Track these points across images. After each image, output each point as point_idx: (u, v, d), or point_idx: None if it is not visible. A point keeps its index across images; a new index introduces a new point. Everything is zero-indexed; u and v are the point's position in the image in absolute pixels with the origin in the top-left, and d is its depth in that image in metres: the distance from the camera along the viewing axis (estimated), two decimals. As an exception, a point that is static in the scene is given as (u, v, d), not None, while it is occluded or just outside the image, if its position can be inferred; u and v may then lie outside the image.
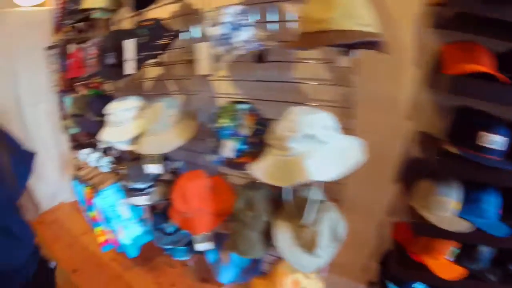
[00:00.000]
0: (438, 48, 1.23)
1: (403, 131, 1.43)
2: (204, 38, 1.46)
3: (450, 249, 1.30)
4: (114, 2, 1.89)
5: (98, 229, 2.38)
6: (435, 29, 1.22)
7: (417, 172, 1.32)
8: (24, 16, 3.08)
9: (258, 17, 1.32)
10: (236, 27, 1.20)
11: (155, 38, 1.57)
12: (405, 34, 1.31)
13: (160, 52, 1.58)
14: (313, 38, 1.02)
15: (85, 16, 2.06)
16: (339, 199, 1.37)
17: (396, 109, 1.43)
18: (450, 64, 1.12)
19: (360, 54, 1.18)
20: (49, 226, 3.17)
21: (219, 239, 1.64)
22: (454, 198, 1.19)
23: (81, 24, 2.45)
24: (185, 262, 2.12)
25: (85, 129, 2.03)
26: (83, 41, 2.46)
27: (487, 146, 1.05)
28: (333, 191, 1.37)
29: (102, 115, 1.99)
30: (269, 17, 1.35)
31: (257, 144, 1.27)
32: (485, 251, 1.26)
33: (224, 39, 1.18)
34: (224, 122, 1.27)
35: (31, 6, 3.27)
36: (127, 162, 1.97)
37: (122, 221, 2.20)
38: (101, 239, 2.37)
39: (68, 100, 2.93)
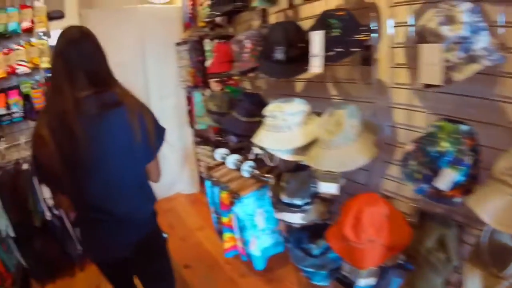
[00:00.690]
0: None
1: None
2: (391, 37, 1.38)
3: None
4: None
5: (227, 235, 2.41)
6: None
7: None
8: (155, 12, 3.49)
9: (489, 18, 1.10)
10: (475, 29, 1.02)
11: (349, 32, 1.39)
12: None
13: (357, 49, 1.39)
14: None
15: (235, 7, 2.09)
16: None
17: None
18: None
19: None
20: (164, 214, 3.43)
21: (383, 274, 1.52)
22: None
23: (220, 19, 2.67)
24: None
25: (231, 128, 2.16)
26: (222, 36, 2.67)
27: None
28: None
29: (252, 116, 2.05)
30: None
31: (475, 176, 1.12)
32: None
33: (461, 43, 1.01)
34: (445, 146, 1.12)
35: (162, 4, 3.73)
36: (286, 173, 1.86)
37: (256, 231, 2.25)
38: (228, 245, 2.42)
39: (198, 95, 3.27)
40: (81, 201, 1.29)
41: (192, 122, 3.55)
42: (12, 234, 2.43)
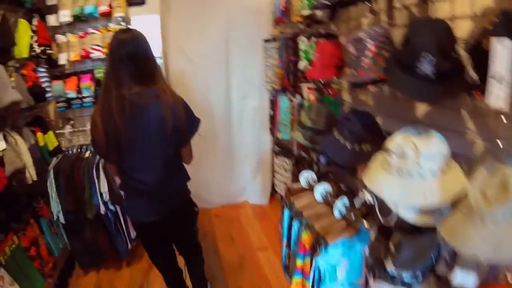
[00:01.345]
0: None
1: None
2: None
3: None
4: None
5: (297, 279, 2.14)
6: None
7: None
8: (244, 3, 3.22)
9: None
10: None
11: None
12: None
13: None
14: None
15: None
16: None
17: None
18: None
19: None
20: (227, 223, 3.34)
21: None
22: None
23: (321, 14, 2.36)
24: None
25: (331, 154, 1.84)
26: (324, 34, 2.37)
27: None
28: None
29: (360, 143, 1.71)
30: None
31: None
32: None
33: None
34: None
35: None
36: (398, 233, 1.45)
37: (335, 284, 2.03)
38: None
39: (285, 101, 2.94)
40: (123, 171, 1.71)
41: (273, 129, 3.24)
42: (62, 220, 2.55)
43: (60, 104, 2.88)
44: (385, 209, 1.47)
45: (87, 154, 2.72)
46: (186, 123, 1.63)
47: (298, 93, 2.71)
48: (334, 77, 1.99)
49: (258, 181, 3.65)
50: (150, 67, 1.57)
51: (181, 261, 2.18)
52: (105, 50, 2.79)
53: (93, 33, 2.81)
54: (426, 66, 1.23)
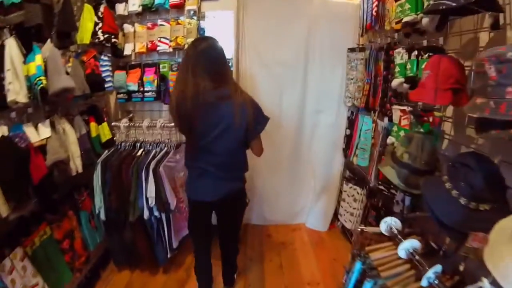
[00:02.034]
0: None
1: None
2: None
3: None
4: None
5: None
6: None
7: None
8: (329, 7, 2.77)
9: None
10: None
11: None
12: None
13: None
14: None
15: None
16: None
17: None
18: None
19: None
20: (278, 246, 2.92)
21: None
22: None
23: (428, 22, 1.81)
24: None
25: (437, 209, 1.31)
26: (429, 48, 1.85)
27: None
28: None
29: (480, 201, 1.27)
30: None
31: None
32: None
33: None
34: None
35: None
36: None
37: None
38: None
39: (367, 122, 2.45)
40: (192, 148, 1.82)
41: (348, 151, 2.77)
42: (103, 217, 2.38)
43: (121, 96, 2.66)
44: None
45: (140, 152, 2.44)
46: (254, 121, 1.72)
47: (386, 115, 2.18)
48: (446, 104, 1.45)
49: (320, 205, 3.16)
50: (224, 71, 1.71)
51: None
52: (172, 44, 2.54)
53: (162, 25, 2.56)
54: None
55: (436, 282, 1.31)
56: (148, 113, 2.85)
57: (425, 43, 1.83)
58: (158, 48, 2.54)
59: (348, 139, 2.80)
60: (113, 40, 2.41)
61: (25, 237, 1.90)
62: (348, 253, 2.71)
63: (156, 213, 2.34)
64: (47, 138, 1.95)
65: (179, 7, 2.53)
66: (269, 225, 3.22)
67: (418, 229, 1.85)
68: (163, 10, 2.61)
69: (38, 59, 1.83)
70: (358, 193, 2.66)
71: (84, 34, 2.24)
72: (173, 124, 2.17)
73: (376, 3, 2.27)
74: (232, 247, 2.24)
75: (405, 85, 1.91)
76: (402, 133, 1.98)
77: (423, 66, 1.76)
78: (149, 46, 2.56)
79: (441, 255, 1.67)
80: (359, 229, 1.99)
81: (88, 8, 2.26)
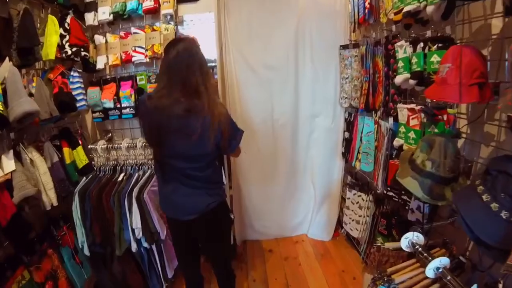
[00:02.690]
0: None
1: None
2: None
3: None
4: None
5: None
6: None
7: None
8: (315, 3, 2.55)
9: None
10: None
11: None
12: None
13: None
14: None
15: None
16: None
17: None
18: None
19: None
20: (282, 262, 2.70)
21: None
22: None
23: (433, 11, 1.61)
24: None
25: (474, 224, 1.09)
26: (439, 39, 1.65)
27: None
28: None
29: None
30: None
31: None
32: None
33: None
34: None
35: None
36: None
37: None
38: None
39: (369, 123, 2.22)
40: (161, 166, 1.64)
41: (348, 156, 2.56)
42: (87, 253, 2.13)
43: (96, 115, 2.39)
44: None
45: (121, 177, 2.17)
46: (229, 138, 1.58)
47: (390, 115, 1.97)
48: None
49: (322, 213, 2.94)
50: (196, 80, 1.46)
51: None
52: (149, 53, 2.28)
53: (136, 33, 2.29)
54: None
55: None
56: (128, 131, 2.57)
57: (429, 33, 1.64)
58: (133, 59, 2.27)
59: (348, 143, 2.58)
60: (83, 53, 2.13)
61: (2, 285, 1.67)
62: (357, 263, 2.52)
63: (145, 245, 2.07)
64: (11, 172, 1.67)
65: (154, 12, 2.27)
66: (269, 240, 2.98)
67: (440, 240, 1.65)
68: (136, 17, 2.34)
69: (-8, 82, 1.55)
70: (363, 199, 2.45)
71: (48, 49, 1.96)
72: None
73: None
74: (224, 272, 1.89)
75: (411, 81, 1.72)
76: (411, 134, 1.78)
77: (432, 59, 1.57)
78: (123, 57, 2.30)
79: (472, 269, 1.48)
80: (375, 246, 1.78)
81: (52, 20, 1.99)
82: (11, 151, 1.71)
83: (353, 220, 2.59)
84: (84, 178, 2.18)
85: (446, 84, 1.27)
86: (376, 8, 2.05)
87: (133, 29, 2.28)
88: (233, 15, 2.50)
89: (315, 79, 2.65)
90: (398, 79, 1.79)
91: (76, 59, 2.11)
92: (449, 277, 1.29)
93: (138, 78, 2.36)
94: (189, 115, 1.45)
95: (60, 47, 2.04)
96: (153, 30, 2.28)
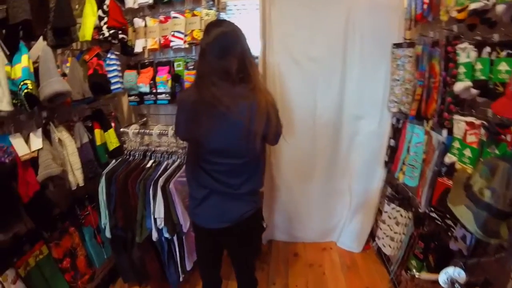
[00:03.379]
0: None
1: None
2: None
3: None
4: None
5: None
6: None
7: None
8: None
9: None
10: None
11: None
12: None
13: None
14: None
15: None
16: None
17: None
18: None
19: None
20: (306, 269, 2.53)
21: None
22: None
23: (503, 10, 1.33)
24: None
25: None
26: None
27: None
28: None
29: None
30: None
31: None
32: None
33: None
34: None
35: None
36: None
37: None
38: None
39: (419, 133, 1.93)
40: (195, 165, 1.45)
41: (391, 165, 2.29)
42: (108, 235, 2.13)
43: (132, 98, 2.35)
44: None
45: (150, 163, 2.11)
46: (275, 129, 1.41)
47: (444, 126, 1.69)
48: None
49: (355, 223, 2.70)
50: (243, 64, 1.29)
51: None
52: (188, 39, 2.17)
53: (175, 17, 2.18)
54: None
55: None
56: (163, 117, 2.51)
57: (496, 37, 1.38)
58: (171, 44, 2.18)
59: (392, 151, 2.31)
60: (121, 36, 2.08)
61: (19, 257, 1.69)
62: (384, 282, 2.29)
63: (166, 235, 2.01)
64: (38, 150, 1.66)
65: (196, -3, 2.15)
66: (296, 243, 2.82)
67: (482, 277, 1.40)
68: (178, 2, 2.24)
69: (24, 60, 1.55)
70: (401, 215, 2.19)
71: (85, 30, 1.93)
72: None
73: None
74: (247, 280, 1.77)
75: (473, 90, 1.47)
76: (467, 152, 1.51)
77: (499, 67, 1.31)
78: (161, 42, 2.21)
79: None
80: (409, 274, 1.57)
81: (89, 1, 1.95)
82: (40, 130, 1.71)
83: (387, 236, 2.34)
84: (114, 160, 2.17)
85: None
86: (436, 4, 1.76)
87: (172, 13, 2.19)
88: (278, 2, 2.31)
89: (362, 77, 2.39)
90: (458, 87, 1.53)
91: (113, 41, 2.06)
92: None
93: (175, 64, 2.27)
94: (235, 104, 1.28)
95: (98, 28, 2.01)
96: (194, 15, 2.16)
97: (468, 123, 1.51)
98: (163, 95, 2.29)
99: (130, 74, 2.26)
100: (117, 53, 2.18)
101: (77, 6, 1.93)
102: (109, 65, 2.10)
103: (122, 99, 2.51)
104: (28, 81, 1.52)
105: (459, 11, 1.46)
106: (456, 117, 1.60)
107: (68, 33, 1.82)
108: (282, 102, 2.42)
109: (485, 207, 1.11)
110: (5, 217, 1.52)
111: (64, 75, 1.83)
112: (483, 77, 1.39)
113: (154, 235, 2.01)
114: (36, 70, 1.63)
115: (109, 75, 2.10)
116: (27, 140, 1.67)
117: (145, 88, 2.27)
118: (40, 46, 1.66)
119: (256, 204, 1.54)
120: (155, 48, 2.23)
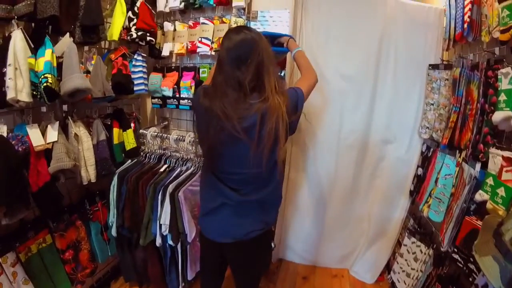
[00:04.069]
0: None
1: None
2: None
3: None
4: None
5: None
6: None
7: None
8: (404, 12, 2.12)
9: None
10: None
11: None
12: None
13: None
14: None
15: None
16: None
17: None
18: None
19: None
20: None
21: None
22: None
23: None
24: None
25: None
26: None
27: None
28: None
29: None
30: None
31: None
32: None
33: None
34: None
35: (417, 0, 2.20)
36: None
37: None
38: None
39: (449, 164, 1.75)
40: (209, 176, 1.38)
41: (417, 196, 2.10)
42: (114, 233, 2.09)
43: (155, 101, 2.35)
44: None
45: (164, 167, 2.07)
46: (291, 122, 1.27)
47: (479, 159, 1.50)
48: None
49: (370, 252, 2.48)
50: (260, 73, 1.21)
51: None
52: (214, 46, 2.12)
53: (204, 23, 2.15)
54: None
55: None
56: (184, 122, 2.47)
57: None
58: (198, 50, 2.15)
59: (419, 181, 2.11)
60: (148, 38, 2.08)
61: (21, 242, 1.71)
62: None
63: (170, 242, 1.94)
64: (53, 142, 1.67)
65: (225, 4, 2.11)
66: (307, 265, 2.63)
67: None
68: (208, 8, 2.21)
69: (47, 54, 1.57)
70: (421, 251, 1.98)
71: (113, 30, 1.95)
72: None
73: (469, 6, 1.61)
74: None
75: None
76: (501, 191, 1.32)
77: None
78: (189, 47, 2.19)
79: None
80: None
81: (119, 2, 1.98)
82: (57, 123, 1.73)
83: (403, 271, 2.12)
84: (130, 161, 2.15)
85: None
86: (478, 24, 1.59)
87: (201, 19, 2.16)
88: (310, 14, 2.21)
89: (394, 99, 2.22)
90: (497, 117, 1.36)
91: (141, 43, 2.07)
92: None
93: (201, 70, 2.23)
94: (242, 118, 1.21)
95: (127, 29, 2.02)
96: (222, 22, 2.13)
97: (505, 158, 1.32)
98: (186, 100, 2.26)
99: (155, 77, 2.26)
100: (144, 55, 2.18)
101: (108, 6, 1.95)
102: (134, 66, 2.10)
103: (146, 100, 2.51)
104: (48, 75, 1.54)
105: (502, 32, 1.30)
106: (493, 150, 1.41)
107: (96, 32, 1.84)
108: (304, 118, 2.29)
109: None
110: (13, 202, 1.52)
111: (88, 72, 1.84)
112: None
113: (158, 241, 1.95)
114: (60, 65, 1.65)
115: (134, 76, 2.10)
116: (44, 132, 1.68)
117: (168, 92, 2.25)
118: (66, 42, 1.69)
119: (266, 225, 1.44)
120: (181, 52, 2.22)
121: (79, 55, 1.75)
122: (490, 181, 1.40)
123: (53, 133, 1.69)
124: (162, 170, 2.09)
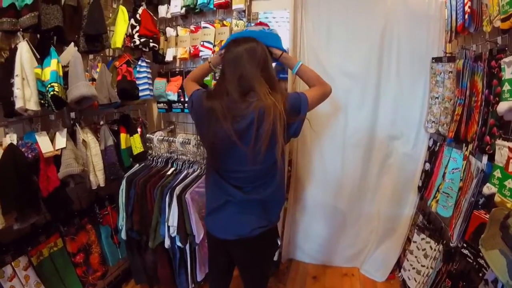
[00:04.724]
0: None
1: None
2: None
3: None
4: None
5: None
6: None
7: None
8: (405, 5, 2.07)
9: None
10: None
11: None
12: None
13: None
14: None
15: None
16: None
17: None
18: None
19: None
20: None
21: None
22: None
23: None
24: None
25: None
26: None
27: None
28: None
29: None
30: None
31: None
32: None
33: None
34: None
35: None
36: None
37: None
38: None
39: (457, 158, 1.70)
40: (213, 175, 1.42)
41: (425, 192, 2.04)
42: (123, 236, 2.11)
43: (161, 105, 2.37)
44: None
45: (171, 171, 2.08)
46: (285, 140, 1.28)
47: (485, 152, 1.46)
48: None
49: (381, 250, 2.45)
50: (258, 83, 1.26)
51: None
52: (216, 49, 2.12)
53: (205, 27, 2.16)
54: None
55: None
56: (191, 125, 2.49)
57: None
58: (200, 54, 2.16)
59: (427, 176, 2.06)
60: (152, 44, 2.10)
61: (33, 246, 1.75)
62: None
63: (178, 244, 1.94)
64: (62, 148, 1.70)
65: (225, 7, 2.11)
66: (317, 265, 2.61)
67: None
68: (209, 12, 2.22)
69: (53, 64, 1.60)
70: (431, 248, 1.93)
71: (117, 38, 1.98)
72: None
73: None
74: None
75: None
76: (509, 183, 1.28)
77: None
78: (191, 51, 2.20)
79: None
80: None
81: (122, 10, 2.01)
82: (65, 130, 1.76)
83: (413, 268, 2.07)
84: (137, 165, 2.17)
85: None
86: (479, 13, 1.55)
87: (203, 23, 2.17)
88: (310, 13, 2.20)
89: (398, 95, 2.18)
90: (502, 107, 1.32)
91: (144, 49, 2.09)
92: None
93: (204, 74, 2.24)
94: (242, 118, 1.25)
95: (130, 36, 2.04)
96: (223, 25, 2.13)
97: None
98: (190, 105, 2.27)
99: (160, 82, 2.28)
100: (148, 60, 2.21)
101: (110, 15, 1.98)
102: (139, 72, 2.13)
103: (152, 105, 2.54)
104: (55, 84, 1.57)
105: (503, 20, 1.26)
106: (499, 142, 1.37)
107: (99, 40, 1.86)
108: (310, 119, 2.27)
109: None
110: (24, 207, 1.55)
111: (93, 80, 1.87)
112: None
113: (167, 243, 1.96)
114: (66, 74, 1.68)
115: (139, 82, 2.12)
116: (53, 139, 1.72)
117: (173, 97, 2.26)
118: (70, 51, 1.72)
119: (270, 223, 1.44)
120: (185, 57, 2.23)
121: (84, 64, 1.79)
122: (497, 173, 1.36)
123: (61, 140, 1.72)
124: (169, 173, 2.10)
